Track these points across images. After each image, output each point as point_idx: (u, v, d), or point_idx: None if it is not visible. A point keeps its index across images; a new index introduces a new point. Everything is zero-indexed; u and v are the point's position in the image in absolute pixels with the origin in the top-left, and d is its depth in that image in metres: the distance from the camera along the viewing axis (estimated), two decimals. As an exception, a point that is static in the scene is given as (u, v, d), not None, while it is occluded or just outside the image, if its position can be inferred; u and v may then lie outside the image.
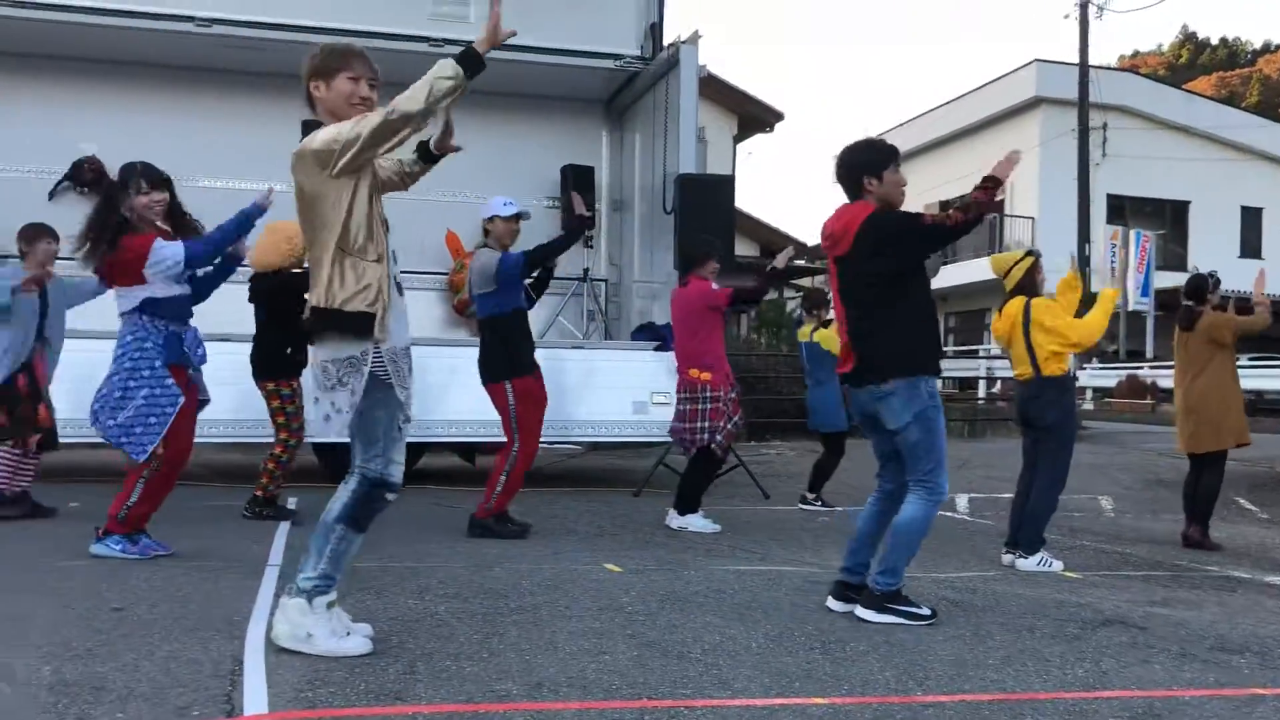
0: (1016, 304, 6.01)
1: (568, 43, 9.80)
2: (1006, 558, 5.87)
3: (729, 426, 6.74)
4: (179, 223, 5.24)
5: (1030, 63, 27.03)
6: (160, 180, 5.15)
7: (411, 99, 3.32)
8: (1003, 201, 24.44)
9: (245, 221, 5.34)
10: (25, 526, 6.13)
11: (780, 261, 7.15)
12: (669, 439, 8.76)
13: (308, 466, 9.02)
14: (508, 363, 6.17)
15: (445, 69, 3.34)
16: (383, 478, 3.52)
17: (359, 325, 3.42)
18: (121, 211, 5.00)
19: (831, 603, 4.44)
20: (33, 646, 3.43)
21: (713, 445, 6.73)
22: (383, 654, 3.46)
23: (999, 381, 20.36)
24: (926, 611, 4.27)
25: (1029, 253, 6.22)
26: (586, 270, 10.76)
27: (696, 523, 6.76)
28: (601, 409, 8.90)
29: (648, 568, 5.31)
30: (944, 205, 22.62)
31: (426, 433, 8.35)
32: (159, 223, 5.14)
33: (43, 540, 5.59)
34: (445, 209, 10.11)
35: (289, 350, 6.53)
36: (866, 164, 4.37)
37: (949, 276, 21.31)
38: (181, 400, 5.06)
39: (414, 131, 3.42)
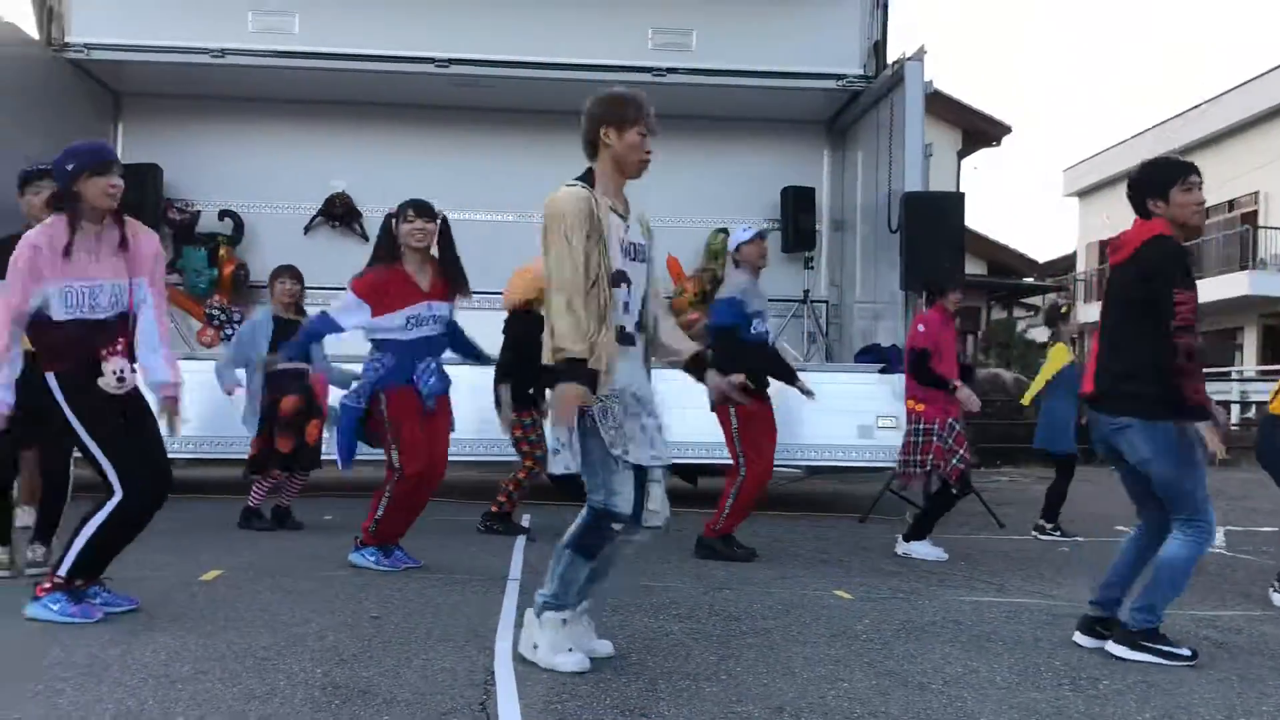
0: None
1: (789, 65, 9.84)
2: (1277, 597, 5.43)
3: (954, 462, 6.48)
4: (445, 257, 5.51)
5: (1287, 62, 24.88)
6: (426, 212, 5.40)
7: (563, 334, 3.46)
8: (1255, 213, 22.59)
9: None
10: (286, 538, 6.61)
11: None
12: (894, 464, 8.62)
13: (544, 485, 9.34)
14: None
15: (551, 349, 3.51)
16: (605, 509, 3.57)
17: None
18: (394, 241, 5.39)
19: (1079, 638, 4.22)
20: (307, 651, 3.70)
21: (931, 478, 6.57)
22: (624, 671, 3.54)
23: (1254, 406, 18.88)
24: (1186, 652, 4.00)
25: None
26: (806, 292, 10.71)
27: (920, 549, 6.57)
28: (824, 432, 8.79)
29: (880, 595, 5.21)
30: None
31: (689, 455, 8.47)
32: (427, 251, 5.44)
33: (302, 553, 6.01)
34: (668, 233, 10.24)
35: (529, 387, 6.83)
36: (1149, 184, 4.11)
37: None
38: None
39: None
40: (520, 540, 6.53)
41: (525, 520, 7.20)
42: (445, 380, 5.51)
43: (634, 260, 3.69)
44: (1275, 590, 5.44)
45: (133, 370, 4.15)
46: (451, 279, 5.48)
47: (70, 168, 4.05)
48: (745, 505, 6.25)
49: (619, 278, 3.61)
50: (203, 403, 8.49)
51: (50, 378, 4.08)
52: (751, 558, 6.19)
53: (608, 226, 3.57)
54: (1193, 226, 4.10)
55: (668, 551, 6.29)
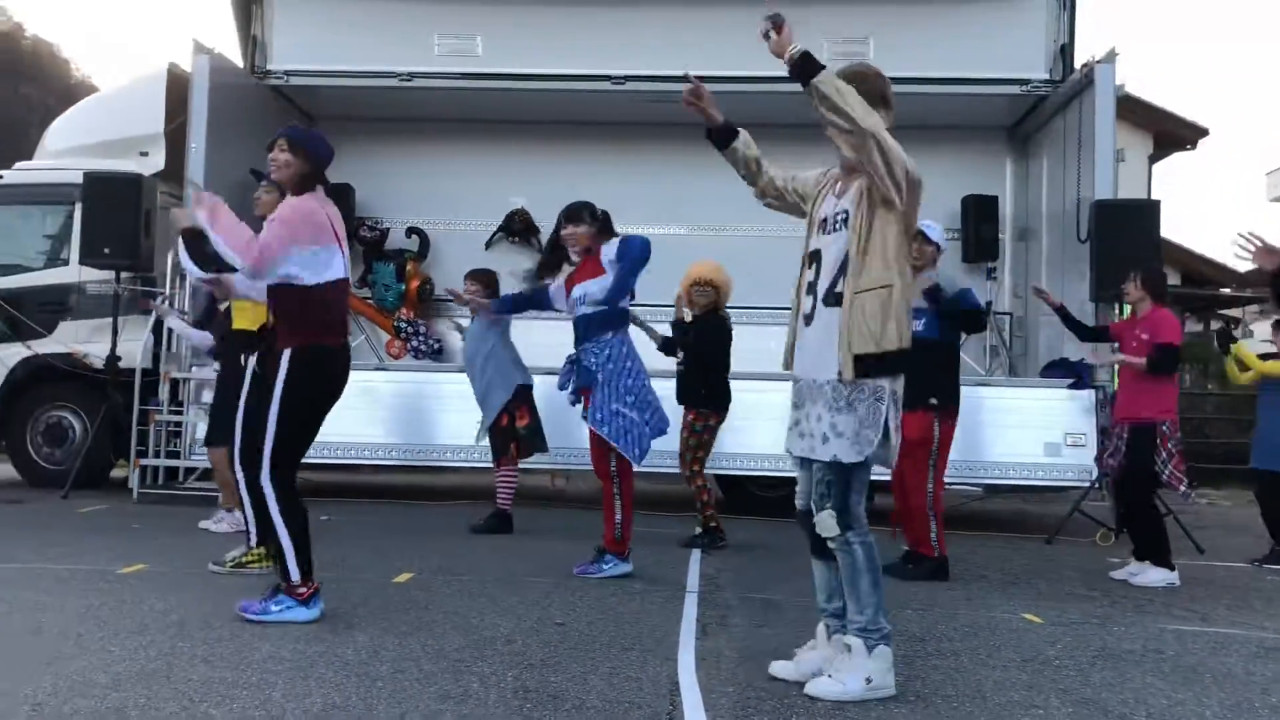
0: None
1: (970, 70, 9.59)
2: None
3: (1166, 474, 6.19)
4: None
5: None
6: (572, 217, 5.69)
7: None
8: None
9: None
10: (474, 542, 6.82)
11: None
12: (1084, 483, 8.26)
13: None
14: (931, 393, 5.89)
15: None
16: (855, 513, 3.54)
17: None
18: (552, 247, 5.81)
19: None
20: (496, 654, 3.81)
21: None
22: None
23: None
24: None
25: None
26: (989, 304, 10.34)
27: (1155, 576, 6.21)
28: (1008, 450, 8.52)
29: (1072, 620, 5.00)
30: None
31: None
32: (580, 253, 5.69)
33: (489, 557, 6.19)
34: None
35: (703, 390, 6.87)
36: None
37: None
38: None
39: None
40: (696, 553, 6.54)
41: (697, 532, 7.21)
42: (579, 376, 5.60)
43: (826, 233, 3.63)
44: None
45: None
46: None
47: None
48: (942, 518, 6.10)
49: (813, 258, 3.63)
50: (395, 411, 8.90)
51: (285, 355, 4.28)
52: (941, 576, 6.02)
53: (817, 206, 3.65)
54: None
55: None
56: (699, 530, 6.92)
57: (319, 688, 3.31)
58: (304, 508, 4.36)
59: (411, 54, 10.01)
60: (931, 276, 5.98)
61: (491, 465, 7.47)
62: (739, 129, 3.78)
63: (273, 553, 4.42)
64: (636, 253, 5.49)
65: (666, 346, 7.15)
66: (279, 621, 4.18)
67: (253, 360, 5.39)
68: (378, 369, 9.51)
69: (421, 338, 10.67)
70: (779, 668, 3.64)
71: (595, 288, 5.53)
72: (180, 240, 4.98)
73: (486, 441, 7.29)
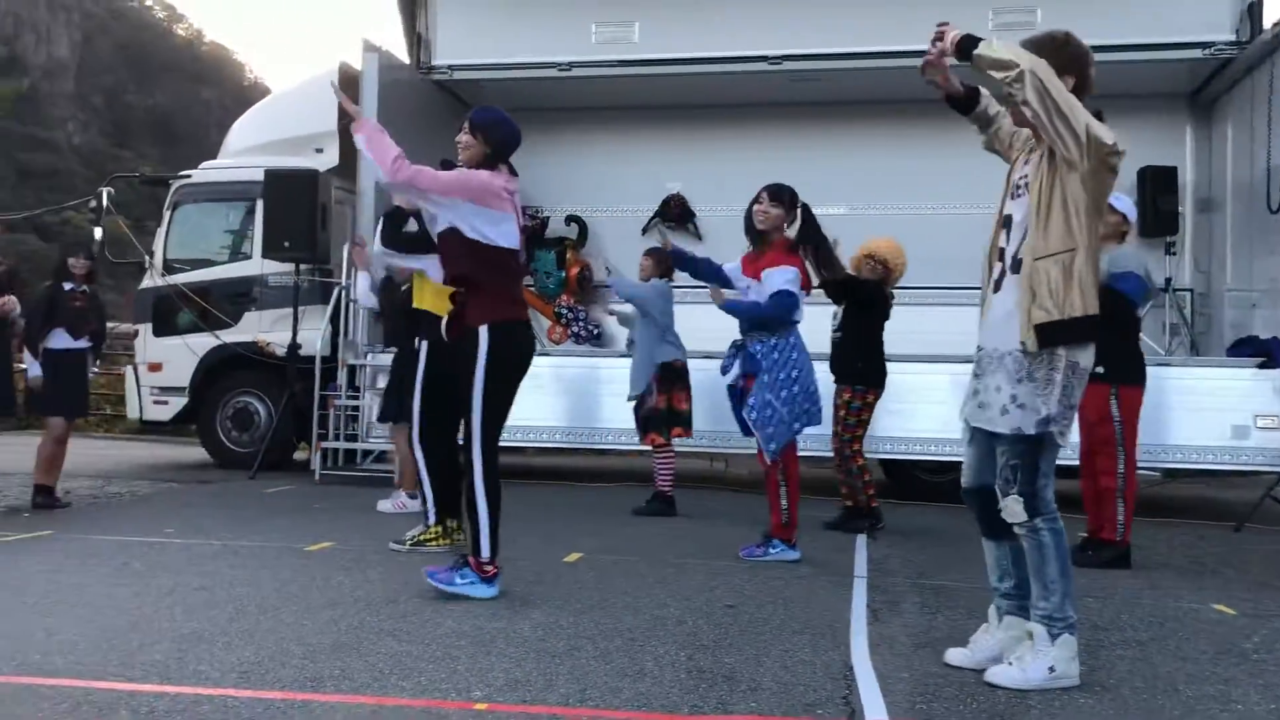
0: None
1: (1146, 36, 9.11)
2: None
3: None
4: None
5: None
6: (774, 195, 5.62)
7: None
8: None
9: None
10: (637, 524, 6.91)
11: None
12: (1276, 468, 7.81)
13: (878, 482, 9.21)
14: (1118, 365, 5.64)
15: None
16: (1043, 495, 3.42)
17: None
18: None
19: None
20: (668, 634, 3.86)
21: None
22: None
23: None
24: None
25: None
26: (1168, 280, 9.88)
27: None
28: (1191, 433, 8.10)
29: (1269, 612, 4.73)
30: None
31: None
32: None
33: (653, 539, 6.26)
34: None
35: (859, 363, 6.77)
36: None
37: None
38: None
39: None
40: (862, 538, 6.46)
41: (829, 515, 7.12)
42: (744, 362, 5.59)
43: (1015, 198, 3.53)
44: None
45: None
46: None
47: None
48: (1133, 504, 5.85)
49: (1004, 223, 3.55)
50: (557, 395, 9.09)
51: (483, 331, 4.42)
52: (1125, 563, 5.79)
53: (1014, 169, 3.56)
54: None
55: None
56: (849, 511, 6.81)
57: (500, 662, 3.42)
58: (501, 487, 4.49)
59: (570, 44, 10.15)
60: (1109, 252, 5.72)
61: (650, 448, 7.51)
62: (979, 91, 3.65)
63: (466, 526, 4.58)
64: (778, 310, 5.45)
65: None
66: (459, 594, 4.34)
67: (424, 341, 5.64)
68: (540, 354, 9.70)
69: (581, 323, 10.86)
70: (955, 655, 3.57)
71: (778, 278, 5.46)
72: (381, 222, 5.22)
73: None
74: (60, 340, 7.02)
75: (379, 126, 4.55)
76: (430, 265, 5.46)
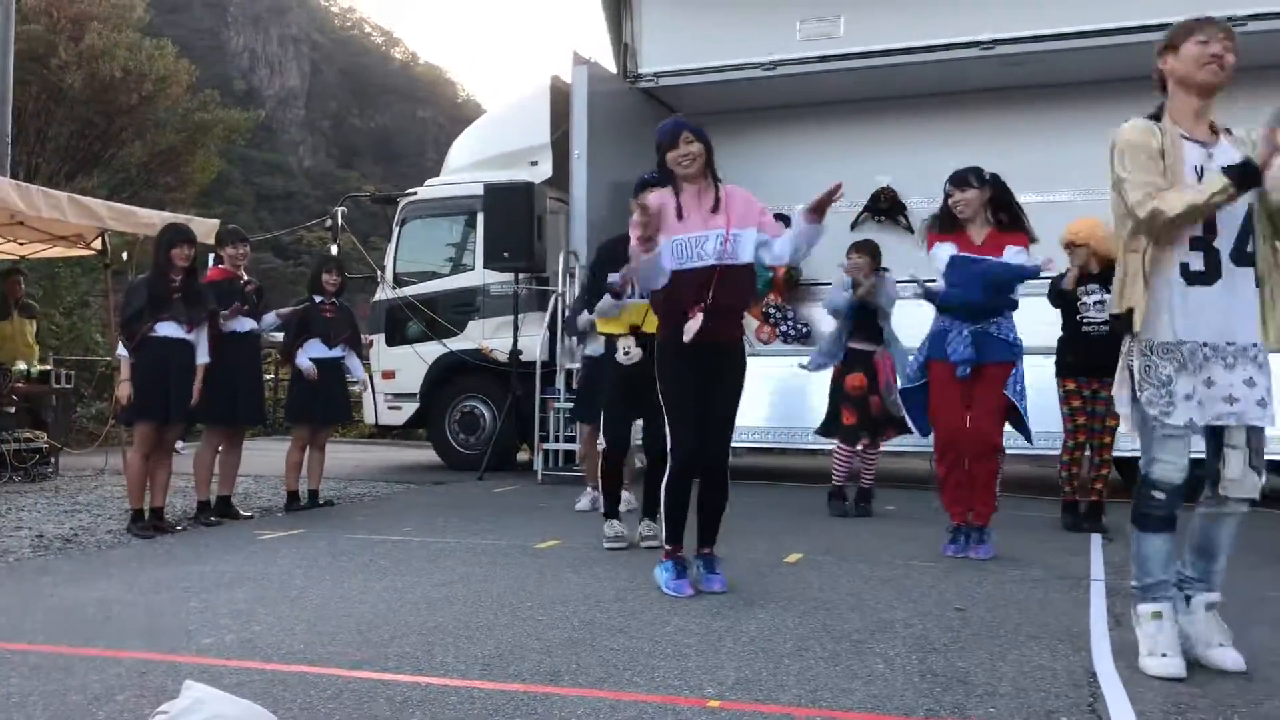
0: None
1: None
2: None
3: None
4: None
5: None
6: (960, 181, 5.61)
7: (1172, 205, 3.28)
8: None
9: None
10: (855, 524, 6.84)
11: None
12: None
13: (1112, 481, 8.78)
14: None
15: (1216, 185, 3.24)
16: (1145, 475, 3.44)
17: (1127, 324, 3.47)
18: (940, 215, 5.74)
19: None
20: (897, 636, 3.81)
21: None
22: (1246, 682, 3.22)
23: None
24: None
25: None
26: None
27: None
28: None
29: None
30: None
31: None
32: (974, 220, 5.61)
33: (875, 538, 6.19)
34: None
35: (1070, 357, 6.51)
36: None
37: None
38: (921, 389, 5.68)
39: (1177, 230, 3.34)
40: (1097, 539, 6.18)
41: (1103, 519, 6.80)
42: (974, 351, 5.50)
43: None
44: None
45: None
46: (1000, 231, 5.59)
47: (657, 147, 4.66)
48: None
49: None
50: (774, 396, 9.09)
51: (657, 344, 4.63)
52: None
53: (1179, 158, 3.39)
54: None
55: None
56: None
57: (729, 661, 3.47)
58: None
59: (774, 41, 10.12)
60: None
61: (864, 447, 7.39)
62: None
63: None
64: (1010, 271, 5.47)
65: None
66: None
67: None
68: (750, 354, 9.73)
69: (790, 322, 10.81)
70: (1224, 656, 3.41)
71: (1024, 257, 5.45)
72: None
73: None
74: (316, 350, 7.47)
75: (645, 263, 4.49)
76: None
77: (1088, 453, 6.61)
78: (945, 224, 5.62)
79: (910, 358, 6.05)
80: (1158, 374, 3.39)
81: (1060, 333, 6.71)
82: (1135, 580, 3.50)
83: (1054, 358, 6.73)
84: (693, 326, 4.43)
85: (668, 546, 4.62)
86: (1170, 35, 3.52)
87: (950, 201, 5.57)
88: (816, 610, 4.24)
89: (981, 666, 3.42)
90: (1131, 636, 3.68)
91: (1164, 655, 3.34)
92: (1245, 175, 3.24)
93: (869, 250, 7.06)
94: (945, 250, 5.59)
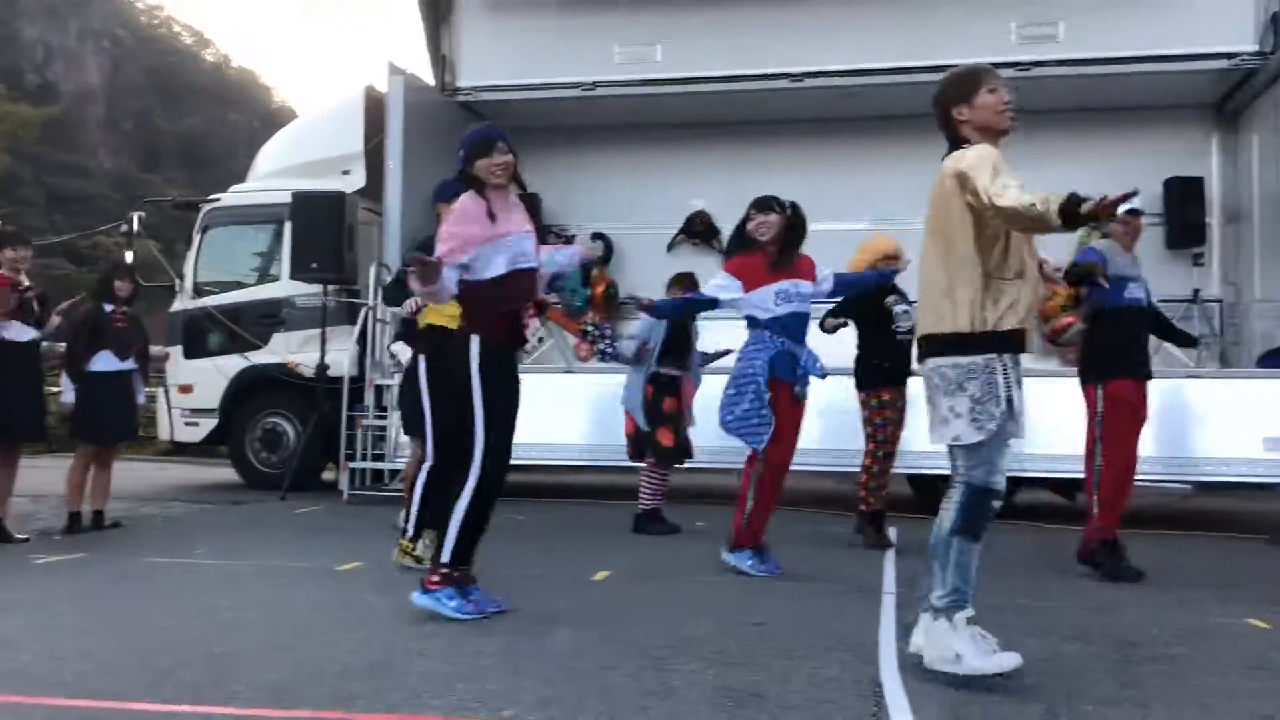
0: None
1: (1170, 47, 9.11)
2: None
3: None
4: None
5: None
6: (764, 206, 5.69)
7: (1038, 207, 3.30)
8: None
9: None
10: (664, 541, 6.93)
11: None
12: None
13: (905, 497, 9.19)
14: (1103, 363, 5.79)
15: (1052, 216, 3.26)
16: (986, 485, 3.56)
17: (1007, 341, 3.52)
18: (738, 237, 5.75)
19: None
20: (697, 652, 3.87)
21: None
22: (1016, 692, 3.42)
23: None
24: None
25: None
26: (1196, 291, 9.85)
27: None
28: (1221, 445, 8.04)
29: (1302, 625, 4.69)
30: None
31: (1020, 467, 8.10)
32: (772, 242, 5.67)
33: (680, 556, 6.27)
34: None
35: (886, 364, 6.75)
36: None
37: None
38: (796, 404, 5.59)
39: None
40: (891, 554, 6.45)
41: (892, 534, 7.10)
42: (822, 370, 5.67)
43: None
44: None
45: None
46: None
47: (460, 155, 4.56)
48: (1111, 499, 5.81)
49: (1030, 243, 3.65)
50: (588, 413, 9.13)
51: (474, 342, 4.41)
52: (1138, 578, 5.76)
53: None
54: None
55: (1051, 572, 6.00)
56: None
57: (530, 681, 3.44)
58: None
59: (593, 64, 10.23)
60: None
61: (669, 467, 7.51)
62: None
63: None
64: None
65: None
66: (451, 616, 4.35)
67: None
68: (566, 371, 9.77)
69: (608, 341, 10.88)
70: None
71: (809, 288, 5.61)
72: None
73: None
74: (105, 363, 7.05)
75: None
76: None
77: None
78: (739, 244, 5.73)
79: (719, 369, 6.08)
80: (1017, 390, 3.55)
81: (862, 345, 6.92)
82: (953, 592, 3.54)
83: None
84: (536, 326, 4.44)
85: (458, 570, 4.39)
86: (958, 88, 3.66)
87: (751, 225, 5.67)
88: (621, 628, 4.26)
89: (776, 680, 3.51)
90: (904, 645, 3.81)
91: (995, 651, 3.50)
92: (1074, 215, 3.26)
93: (693, 284, 7.27)
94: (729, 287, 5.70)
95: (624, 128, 11.08)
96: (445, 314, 5.40)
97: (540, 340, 4.81)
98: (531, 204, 10.35)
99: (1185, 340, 6.74)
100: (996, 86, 3.63)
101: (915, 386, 6.64)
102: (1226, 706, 3.35)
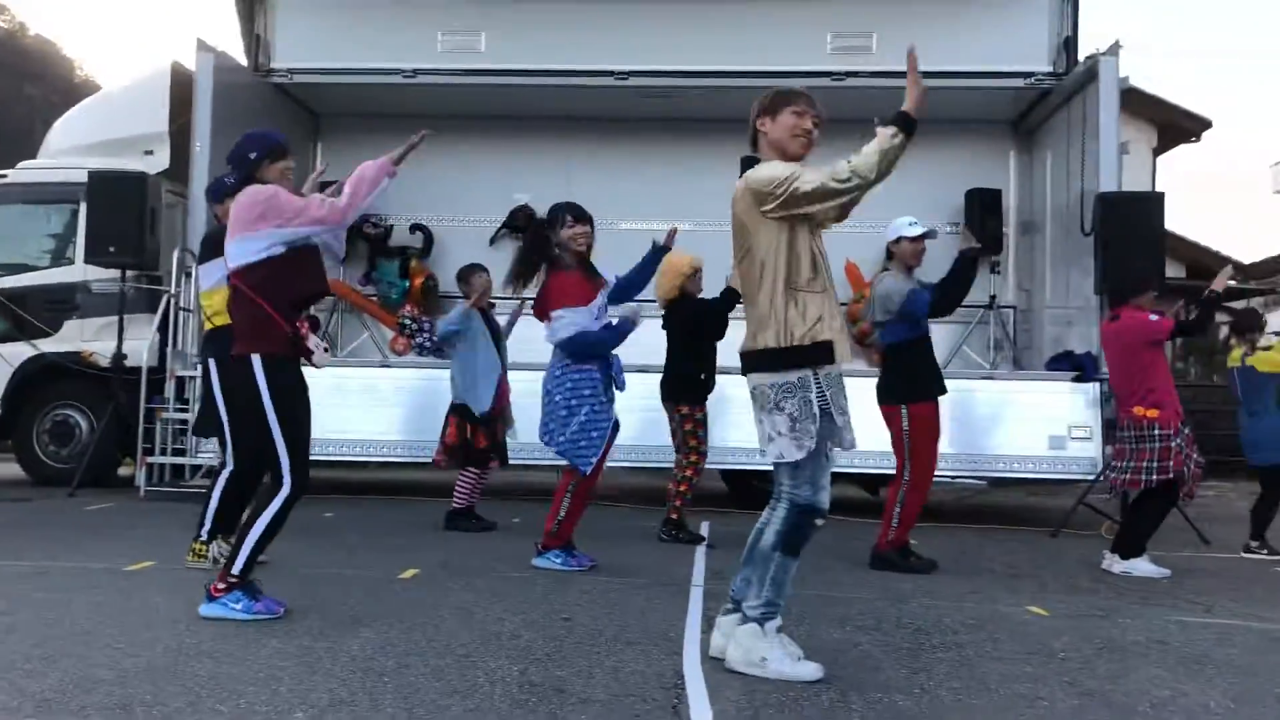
0: None
1: (973, 64, 9.58)
2: None
3: (1193, 467, 6.22)
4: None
5: None
6: (585, 217, 5.62)
7: (866, 166, 3.44)
8: None
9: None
10: (477, 538, 6.84)
11: (1218, 284, 6.47)
12: (1089, 476, 8.26)
13: (717, 492, 9.37)
14: (907, 387, 6.09)
15: (888, 135, 3.43)
16: (811, 504, 3.59)
17: (818, 355, 3.54)
18: (551, 247, 5.53)
19: None
20: (502, 649, 3.82)
21: (1152, 485, 6.23)
22: (814, 682, 3.50)
23: None
24: None
25: None
26: (993, 297, 10.40)
27: (1143, 566, 6.27)
28: (1012, 443, 8.52)
29: (1078, 612, 5.00)
30: None
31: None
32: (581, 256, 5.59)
33: (493, 553, 6.20)
34: (845, 238, 10.10)
35: (702, 376, 6.86)
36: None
37: None
38: (613, 419, 5.50)
39: (858, 196, 3.53)
40: (701, 548, 6.55)
41: (704, 529, 7.22)
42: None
43: None
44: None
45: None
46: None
47: (252, 156, 4.39)
48: (913, 513, 6.11)
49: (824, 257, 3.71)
50: (402, 409, 8.94)
51: (256, 360, 4.18)
52: (932, 569, 6.05)
53: None
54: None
55: (850, 563, 6.21)
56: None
57: (325, 682, 3.32)
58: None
59: (415, 51, 10.02)
60: None
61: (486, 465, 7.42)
62: None
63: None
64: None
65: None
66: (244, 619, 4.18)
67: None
68: (382, 365, 9.54)
69: (426, 334, 10.69)
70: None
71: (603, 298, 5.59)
72: None
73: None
74: None
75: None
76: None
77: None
78: (540, 254, 5.55)
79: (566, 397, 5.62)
80: (838, 401, 3.57)
81: (682, 357, 6.95)
82: (766, 604, 3.58)
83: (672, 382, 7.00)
84: (316, 340, 4.27)
85: (249, 579, 4.23)
86: (770, 101, 3.70)
87: (568, 233, 5.53)
88: (426, 625, 4.16)
89: (579, 675, 3.49)
90: (708, 636, 3.87)
91: (800, 659, 3.57)
92: (908, 120, 3.47)
93: (484, 270, 7.30)
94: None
95: (447, 117, 10.85)
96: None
97: (327, 350, 4.57)
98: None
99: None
100: (804, 111, 3.65)
101: (722, 381, 6.94)
102: (1005, 690, 3.53)
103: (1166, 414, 6.22)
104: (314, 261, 4.37)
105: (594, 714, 3.09)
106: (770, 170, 3.56)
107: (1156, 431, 6.20)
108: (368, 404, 8.97)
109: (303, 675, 3.40)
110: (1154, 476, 6.20)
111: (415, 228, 11.00)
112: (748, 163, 3.77)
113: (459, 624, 4.21)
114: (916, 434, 6.04)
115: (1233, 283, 21.84)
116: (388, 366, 9.52)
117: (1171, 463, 6.16)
